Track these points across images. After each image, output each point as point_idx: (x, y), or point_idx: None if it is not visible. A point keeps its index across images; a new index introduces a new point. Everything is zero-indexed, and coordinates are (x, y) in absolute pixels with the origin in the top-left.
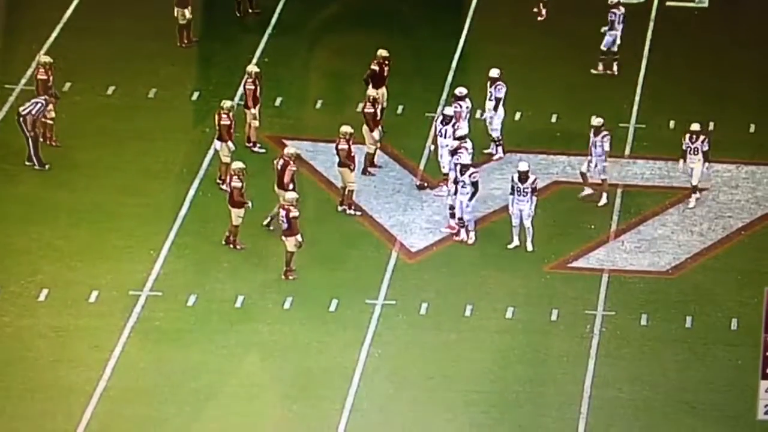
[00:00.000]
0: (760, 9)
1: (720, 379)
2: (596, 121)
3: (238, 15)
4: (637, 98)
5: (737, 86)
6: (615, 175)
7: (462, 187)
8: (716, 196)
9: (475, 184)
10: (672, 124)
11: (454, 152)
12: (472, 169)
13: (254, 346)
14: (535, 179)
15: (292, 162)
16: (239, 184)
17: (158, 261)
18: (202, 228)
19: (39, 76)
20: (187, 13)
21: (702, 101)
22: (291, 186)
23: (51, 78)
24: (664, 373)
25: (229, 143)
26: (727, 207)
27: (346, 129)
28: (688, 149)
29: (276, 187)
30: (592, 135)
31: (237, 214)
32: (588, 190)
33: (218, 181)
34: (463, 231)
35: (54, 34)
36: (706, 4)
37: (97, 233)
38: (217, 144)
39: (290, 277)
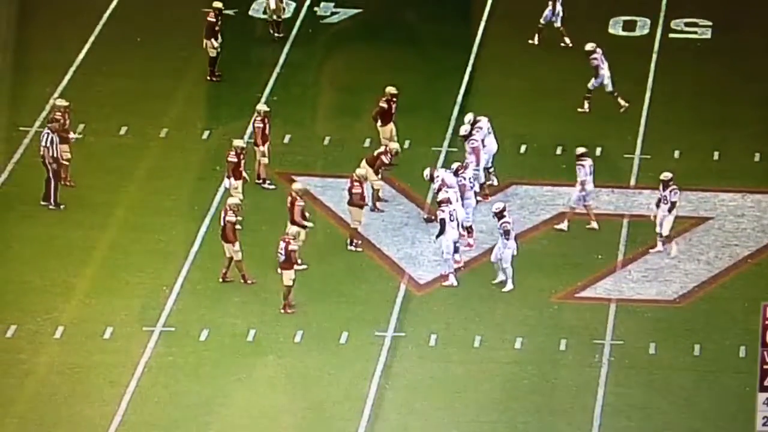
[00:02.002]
0: (763, 38)
1: (729, 406)
2: (578, 150)
3: (277, 35)
4: (641, 129)
5: (741, 115)
6: (621, 205)
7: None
8: (722, 225)
9: (441, 221)
10: (677, 154)
11: (438, 191)
12: (443, 206)
13: (266, 380)
14: (503, 223)
15: (299, 198)
16: (233, 219)
17: (171, 297)
18: (214, 264)
19: (55, 119)
20: (215, 42)
21: (706, 131)
22: (302, 221)
23: (67, 121)
24: (673, 402)
25: (232, 180)
26: (733, 235)
27: (361, 172)
28: (661, 198)
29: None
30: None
31: (230, 249)
32: (594, 223)
33: None
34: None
35: (67, 77)
36: (708, 36)
37: (110, 271)
38: (226, 182)
39: (289, 311)
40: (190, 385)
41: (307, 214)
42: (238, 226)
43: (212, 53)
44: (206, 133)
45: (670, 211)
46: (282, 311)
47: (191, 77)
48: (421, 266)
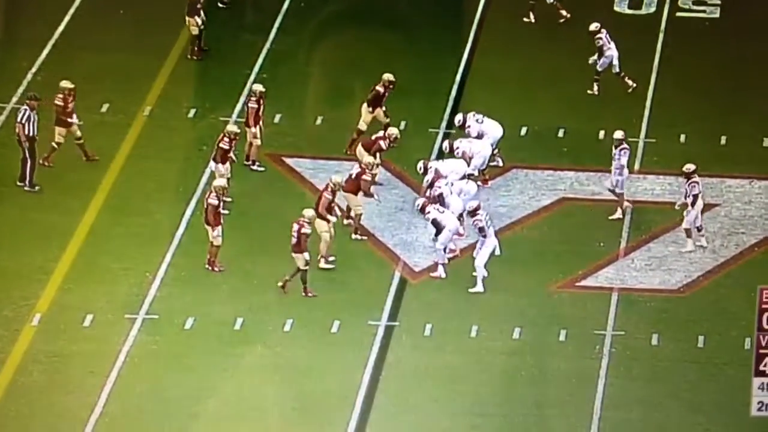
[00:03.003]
0: None
1: (734, 399)
2: (617, 134)
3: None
4: (646, 112)
5: (749, 98)
6: (625, 191)
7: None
8: (729, 212)
9: (434, 222)
10: (683, 138)
11: (431, 185)
12: (428, 207)
13: (254, 370)
14: (476, 220)
15: (328, 189)
16: (215, 202)
17: (154, 283)
18: (200, 249)
19: (55, 102)
20: (198, 20)
21: (713, 114)
22: (325, 213)
23: (69, 104)
24: (676, 394)
25: (219, 165)
26: (740, 223)
27: (369, 160)
28: (685, 190)
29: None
30: (613, 148)
31: (213, 234)
32: (619, 213)
33: None
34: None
35: (46, 51)
36: (717, 15)
37: (91, 255)
38: (212, 164)
39: (310, 294)
40: (174, 375)
41: (336, 209)
42: (225, 211)
43: (194, 31)
44: (192, 112)
45: (692, 204)
46: (303, 294)
47: (177, 52)
48: (416, 253)
